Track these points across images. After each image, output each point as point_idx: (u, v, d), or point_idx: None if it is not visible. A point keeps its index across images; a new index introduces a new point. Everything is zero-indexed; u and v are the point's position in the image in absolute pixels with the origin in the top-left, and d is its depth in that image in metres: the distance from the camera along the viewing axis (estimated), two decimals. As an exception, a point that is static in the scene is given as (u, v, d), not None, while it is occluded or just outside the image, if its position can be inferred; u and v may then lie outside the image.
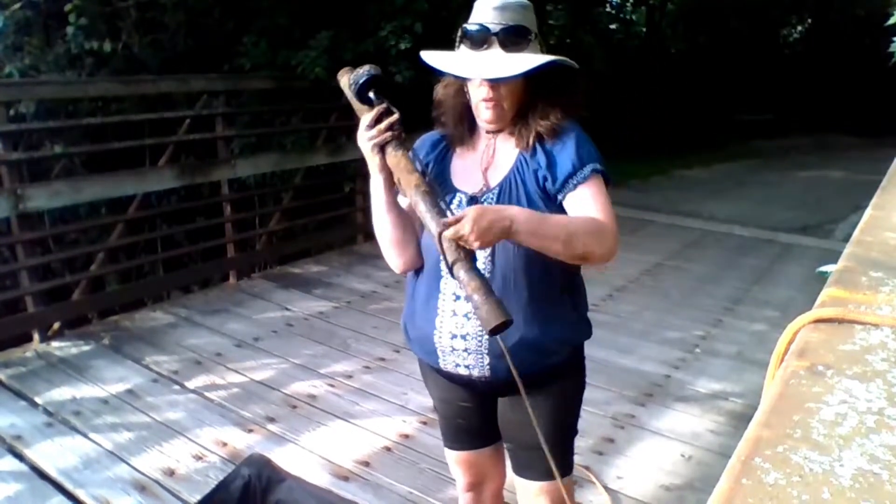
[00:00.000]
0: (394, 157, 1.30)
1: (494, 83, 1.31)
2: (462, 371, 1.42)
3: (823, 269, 4.42)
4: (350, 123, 5.47)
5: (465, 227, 1.14)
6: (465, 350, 1.39)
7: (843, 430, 0.66)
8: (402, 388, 3.11)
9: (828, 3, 14.44)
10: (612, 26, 11.78)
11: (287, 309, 4.13)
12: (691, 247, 5.67)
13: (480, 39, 1.31)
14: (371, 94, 1.33)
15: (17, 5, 4.55)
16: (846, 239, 1.39)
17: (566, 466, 1.55)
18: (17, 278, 3.74)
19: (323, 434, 2.78)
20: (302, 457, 2.61)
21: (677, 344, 3.62)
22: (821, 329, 0.90)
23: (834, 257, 1.27)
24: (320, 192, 5.47)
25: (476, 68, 1.31)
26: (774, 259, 5.37)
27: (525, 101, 1.37)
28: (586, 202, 1.33)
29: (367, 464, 2.57)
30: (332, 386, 3.18)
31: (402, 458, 2.62)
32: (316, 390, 3.14)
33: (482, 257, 1.35)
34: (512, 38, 1.31)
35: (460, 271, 1.14)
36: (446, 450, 1.69)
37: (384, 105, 1.32)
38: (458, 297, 1.38)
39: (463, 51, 1.35)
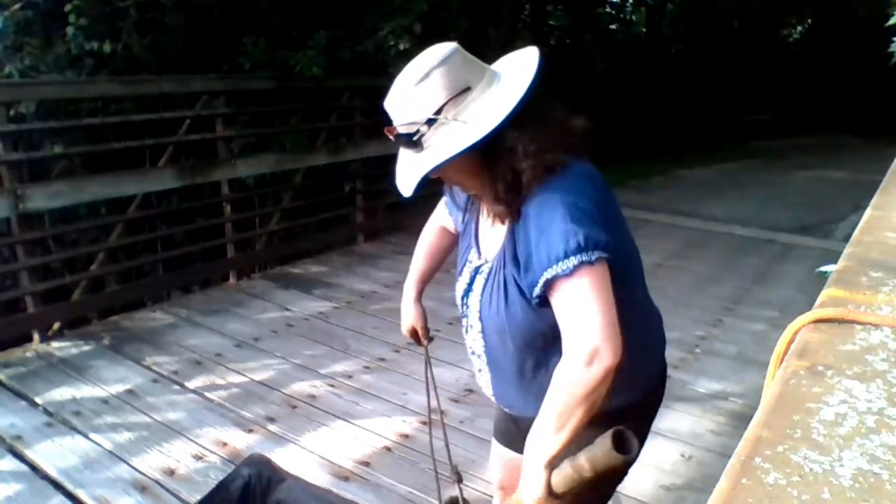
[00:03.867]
0: None
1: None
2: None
3: (823, 269, 4.40)
4: (350, 124, 5.48)
5: None
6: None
7: (843, 430, 0.66)
8: (402, 389, 3.11)
9: (827, 3, 14.43)
10: (612, 26, 11.77)
11: (287, 309, 4.13)
12: (691, 247, 5.67)
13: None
14: None
15: (17, 6, 4.54)
16: (846, 239, 1.39)
17: None
18: (17, 278, 3.74)
19: (323, 434, 2.78)
20: (302, 457, 2.61)
21: (677, 344, 3.62)
22: (821, 329, 0.90)
23: (834, 257, 1.27)
24: (320, 192, 5.47)
25: (397, 174, 1.19)
26: (774, 259, 5.37)
27: (487, 170, 1.17)
28: (559, 319, 1.11)
29: (367, 464, 2.57)
30: (332, 386, 3.18)
31: (402, 459, 2.62)
32: (316, 390, 3.14)
33: (478, 341, 1.32)
34: (406, 143, 1.15)
35: None
36: (493, 439, 1.68)
37: None
38: (473, 352, 1.37)
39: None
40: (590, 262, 1.06)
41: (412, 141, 1.12)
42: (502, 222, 1.21)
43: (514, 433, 1.51)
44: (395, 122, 1.15)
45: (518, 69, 1.16)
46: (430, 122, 1.11)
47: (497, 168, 1.14)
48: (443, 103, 1.11)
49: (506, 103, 1.11)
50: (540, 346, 1.22)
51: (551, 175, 1.12)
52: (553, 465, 1.09)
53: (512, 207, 1.15)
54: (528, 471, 1.12)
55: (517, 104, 1.10)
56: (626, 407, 1.28)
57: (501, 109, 1.10)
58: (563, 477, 1.08)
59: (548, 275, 1.08)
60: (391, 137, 1.16)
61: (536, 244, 1.10)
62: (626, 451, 0.99)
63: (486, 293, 1.25)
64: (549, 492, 1.09)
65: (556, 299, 1.10)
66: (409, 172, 1.14)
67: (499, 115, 1.10)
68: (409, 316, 1.64)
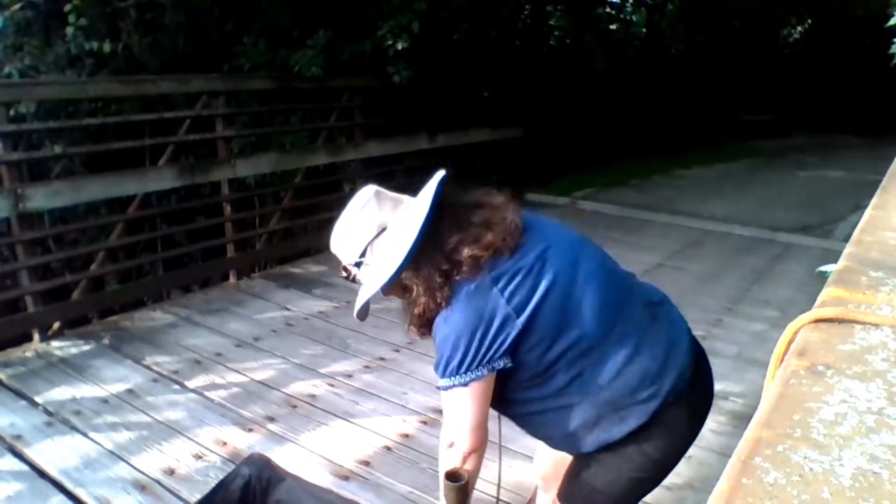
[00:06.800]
0: None
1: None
2: None
3: (823, 268, 4.42)
4: (350, 124, 5.48)
5: None
6: None
7: (843, 430, 0.66)
8: (402, 388, 3.11)
9: (828, 4, 14.42)
10: (613, 27, 11.75)
11: (287, 309, 4.13)
12: (691, 247, 5.67)
13: None
14: None
15: (17, 6, 4.54)
16: (846, 239, 1.39)
17: None
18: (17, 278, 3.74)
19: (323, 434, 2.78)
20: (302, 456, 2.61)
21: (677, 344, 3.61)
22: (821, 329, 0.90)
23: (834, 257, 1.27)
24: (320, 191, 5.47)
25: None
26: (774, 259, 5.37)
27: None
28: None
29: (367, 463, 2.57)
30: (332, 385, 3.18)
31: (402, 458, 2.62)
32: (316, 390, 3.14)
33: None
34: (349, 280, 1.44)
35: None
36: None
37: None
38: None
39: None
40: (463, 384, 1.31)
41: (351, 279, 1.41)
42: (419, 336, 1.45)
43: None
44: (342, 263, 1.41)
45: (420, 206, 1.32)
46: (358, 264, 1.38)
47: (407, 297, 1.39)
48: (364, 248, 1.36)
49: (401, 251, 1.30)
50: (506, 404, 1.45)
51: (443, 306, 1.32)
52: None
53: (420, 330, 1.41)
54: None
55: (404, 258, 1.29)
56: (619, 438, 1.36)
57: (397, 257, 1.31)
58: None
59: (437, 384, 1.36)
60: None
61: (435, 358, 1.35)
62: (457, 480, 1.27)
63: None
64: None
65: (441, 399, 1.38)
66: (358, 298, 1.41)
67: (395, 263, 1.31)
68: None
